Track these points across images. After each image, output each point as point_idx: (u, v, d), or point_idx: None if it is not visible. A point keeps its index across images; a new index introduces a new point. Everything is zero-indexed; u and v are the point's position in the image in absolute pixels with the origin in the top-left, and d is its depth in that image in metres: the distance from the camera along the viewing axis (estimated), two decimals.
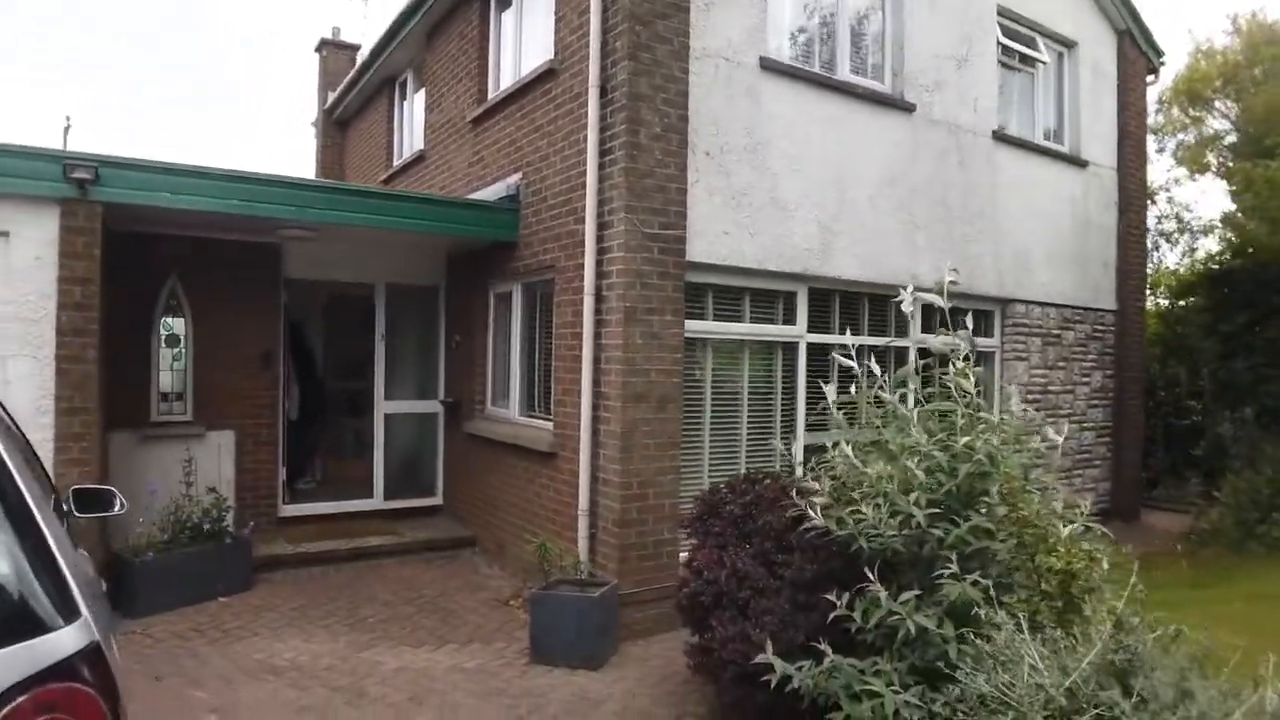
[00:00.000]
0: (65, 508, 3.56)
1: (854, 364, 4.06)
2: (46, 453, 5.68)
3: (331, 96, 13.65)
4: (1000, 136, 8.68)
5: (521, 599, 6.52)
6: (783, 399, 7.00)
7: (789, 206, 6.79)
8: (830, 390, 4.21)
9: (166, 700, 4.65)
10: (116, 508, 3.81)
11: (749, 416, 6.80)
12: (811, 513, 3.66)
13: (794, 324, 7.02)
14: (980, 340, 8.59)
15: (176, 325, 7.64)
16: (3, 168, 5.55)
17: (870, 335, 7.61)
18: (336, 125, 14.09)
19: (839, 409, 4.14)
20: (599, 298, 5.98)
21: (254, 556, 6.99)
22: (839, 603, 3.49)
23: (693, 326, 6.23)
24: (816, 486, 3.87)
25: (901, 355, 7.79)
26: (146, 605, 6.06)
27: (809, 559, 3.93)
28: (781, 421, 7.00)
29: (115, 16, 30.49)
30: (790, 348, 7.03)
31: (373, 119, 12.58)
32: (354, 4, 12.55)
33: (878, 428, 3.92)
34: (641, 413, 5.82)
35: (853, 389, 4.27)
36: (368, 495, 8.71)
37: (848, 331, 5.26)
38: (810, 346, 7.10)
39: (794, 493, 4.41)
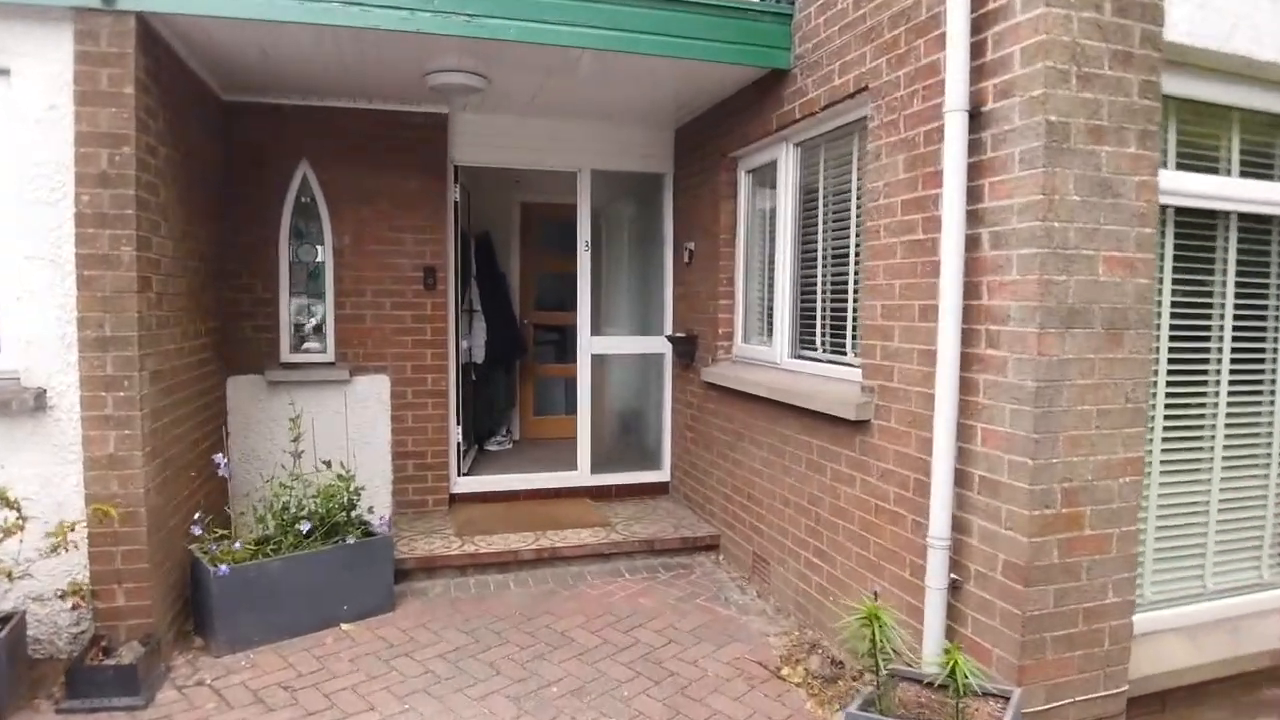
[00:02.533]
0: None
1: None
2: (71, 404, 3.68)
3: None
4: None
5: (807, 672, 3.80)
6: None
7: None
8: None
9: None
10: None
11: (1231, 365, 3.54)
12: None
13: None
14: None
15: (310, 231, 5.56)
16: None
17: None
18: None
19: None
20: (978, 118, 2.99)
21: (403, 558, 4.82)
22: None
23: None
24: None
25: None
26: (231, 637, 3.99)
27: None
28: None
29: None
30: None
31: None
32: None
33: None
34: (1074, 348, 2.81)
35: None
36: (568, 466, 6.35)
37: None
38: None
39: None
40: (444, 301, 5.71)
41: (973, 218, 2.98)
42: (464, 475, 6.08)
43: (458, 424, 5.96)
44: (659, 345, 6.31)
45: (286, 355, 5.49)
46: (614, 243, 6.67)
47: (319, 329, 5.58)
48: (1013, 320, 2.82)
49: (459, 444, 5.99)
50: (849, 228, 4.11)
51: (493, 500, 6.00)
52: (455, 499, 5.91)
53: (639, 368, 6.47)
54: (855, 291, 4.07)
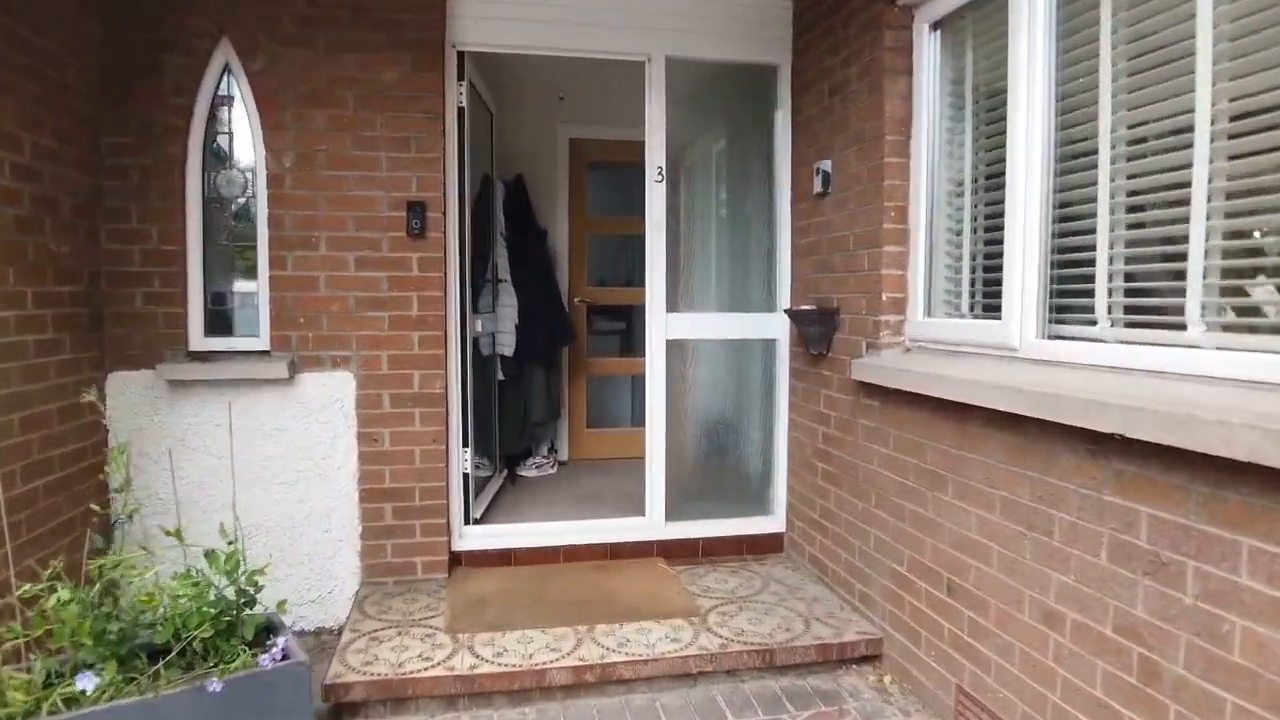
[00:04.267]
0: None
1: None
2: None
3: None
4: None
5: None
6: None
7: None
8: None
9: None
10: None
11: None
12: None
13: None
14: None
15: (240, 150, 3.64)
16: None
17: None
18: None
19: None
20: None
21: (348, 682, 2.84)
22: None
23: None
24: None
25: None
26: None
27: None
28: None
29: None
30: None
31: None
32: None
33: None
34: None
35: None
36: (632, 508, 4.29)
37: None
38: None
39: None
40: (439, 258, 3.71)
41: None
42: (475, 523, 4.07)
43: (465, 445, 3.96)
44: (769, 325, 4.20)
45: (199, 340, 3.58)
46: (698, 176, 4.57)
47: (249, 301, 3.65)
48: None
49: (467, 474, 3.99)
50: (1193, 72, 1.95)
51: (517, 561, 3.98)
52: (460, 559, 3.91)
53: (737, 359, 4.36)
54: (1210, 199, 1.92)
